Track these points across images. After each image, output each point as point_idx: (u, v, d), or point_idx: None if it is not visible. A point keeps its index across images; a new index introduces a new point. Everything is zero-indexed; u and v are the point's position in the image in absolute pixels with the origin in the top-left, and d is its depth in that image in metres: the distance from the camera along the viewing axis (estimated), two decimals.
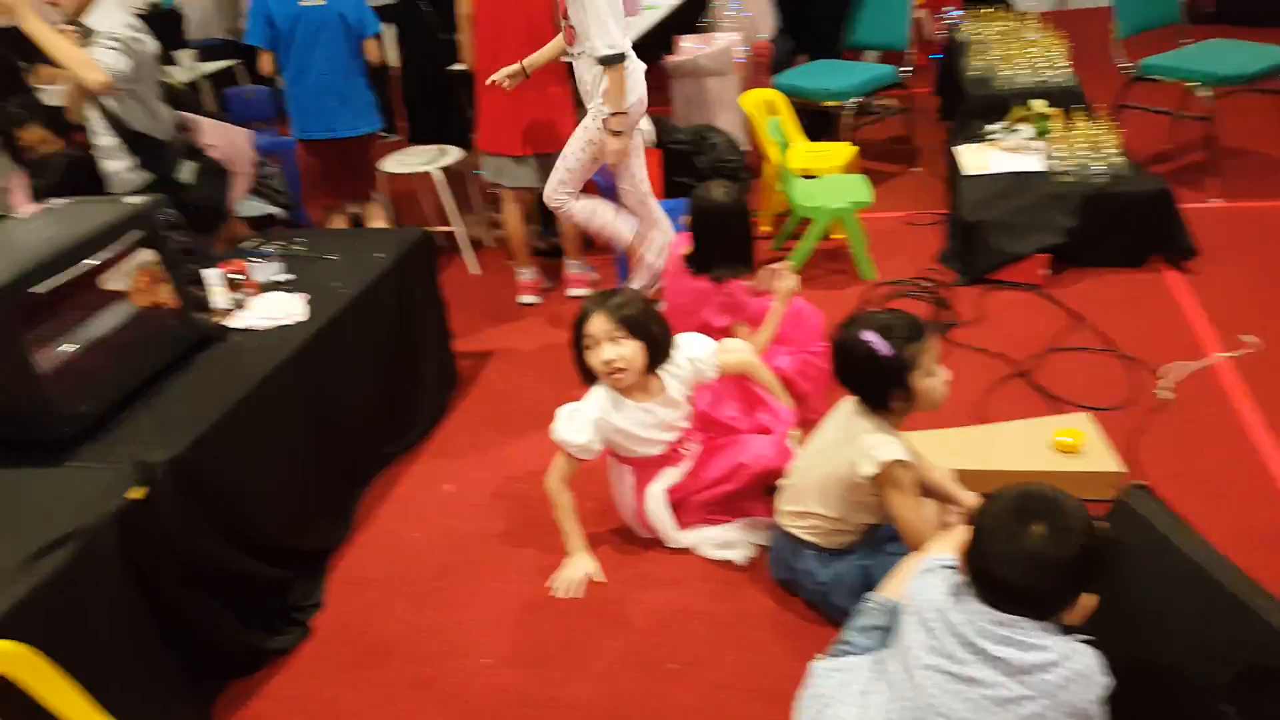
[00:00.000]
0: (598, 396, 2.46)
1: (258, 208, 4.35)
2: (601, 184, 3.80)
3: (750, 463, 2.51)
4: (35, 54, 3.04)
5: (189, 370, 2.53)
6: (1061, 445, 2.58)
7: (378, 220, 4.45)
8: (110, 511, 1.97)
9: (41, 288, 2.12)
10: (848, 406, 2.22)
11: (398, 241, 3.26)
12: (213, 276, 2.79)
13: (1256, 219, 4.00)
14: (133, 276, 2.38)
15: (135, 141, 3.19)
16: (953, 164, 4.31)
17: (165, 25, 5.46)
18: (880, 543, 2.22)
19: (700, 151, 4.51)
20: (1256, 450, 2.68)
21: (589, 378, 2.47)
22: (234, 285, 2.84)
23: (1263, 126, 4.55)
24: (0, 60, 4.10)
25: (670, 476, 2.55)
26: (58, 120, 3.85)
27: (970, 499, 2.29)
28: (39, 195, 3.04)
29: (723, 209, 2.96)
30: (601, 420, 2.43)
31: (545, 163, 3.82)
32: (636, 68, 3.34)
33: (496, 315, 3.71)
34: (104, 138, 3.21)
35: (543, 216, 4.39)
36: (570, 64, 3.76)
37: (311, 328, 2.72)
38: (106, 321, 2.32)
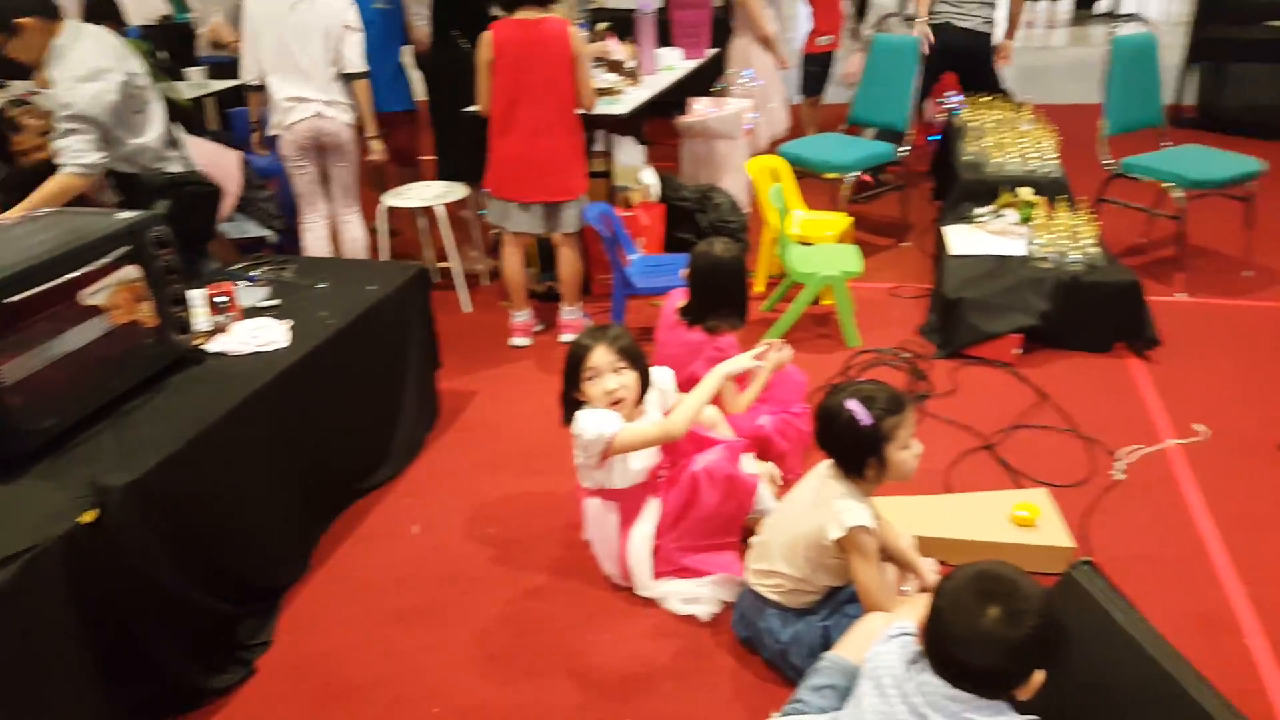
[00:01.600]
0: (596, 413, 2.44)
1: (249, 230, 4.33)
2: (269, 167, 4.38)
3: (699, 472, 2.47)
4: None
5: (160, 392, 2.47)
6: (1018, 519, 2.64)
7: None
8: (57, 535, 1.89)
9: (15, 298, 2.06)
10: (823, 470, 2.23)
11: (392, 275, 3.23)
12: (196, 298, 2.77)
13: (1217, 315, 4.09)
14: (113, 292, 2.34)
15: (114, 177, 3.17)
16: (941, 242, 4.38)
17: (178, 39, 5.41)
18: (840, 605, 2.22)
19: (703, 210, 4.58)
20: (1198, 534, 2.72)
21: (572, 413, 2.48)
22: (217, 308, 2.82)
23: (1228, 229, 4.69)
24: None
25: (653, 513, 2.55)
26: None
27: (927, 566, 2.33)
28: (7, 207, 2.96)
29: (722, 264, 3.06)
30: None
31: (550, 211, 3.87)
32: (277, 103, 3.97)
33: (485, 355, 3.68)
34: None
35: (542, 260, 4.43)
36: (583, 116, 3.82)
37: (292, 356, 2.67)
38: (79, 337, 2.25)
